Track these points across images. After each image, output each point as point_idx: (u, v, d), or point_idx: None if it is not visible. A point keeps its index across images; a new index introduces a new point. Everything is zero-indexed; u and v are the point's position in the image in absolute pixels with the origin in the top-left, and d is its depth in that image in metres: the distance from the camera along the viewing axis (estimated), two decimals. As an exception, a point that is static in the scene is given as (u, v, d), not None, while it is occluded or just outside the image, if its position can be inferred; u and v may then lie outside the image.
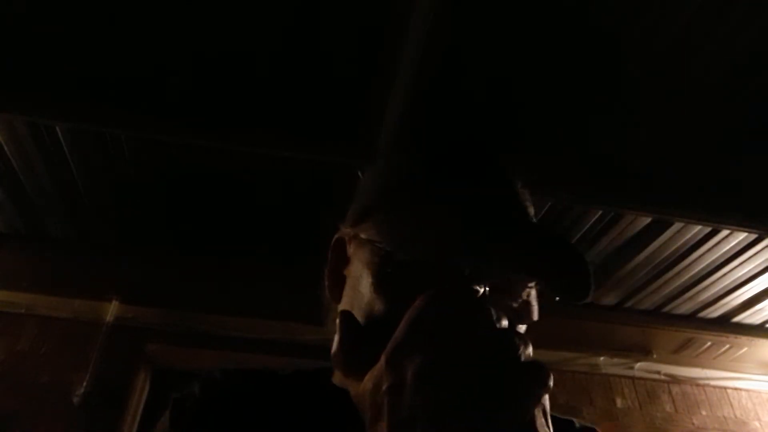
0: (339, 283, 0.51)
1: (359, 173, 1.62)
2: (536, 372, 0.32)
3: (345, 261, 0.51)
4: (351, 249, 0.51)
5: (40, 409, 2.02)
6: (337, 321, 0.45)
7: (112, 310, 2.28)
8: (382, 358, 0.33)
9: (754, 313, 2.47)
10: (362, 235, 0.49)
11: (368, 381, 0.35)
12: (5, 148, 1.80)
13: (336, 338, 0.44)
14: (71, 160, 1.85)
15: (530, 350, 0.33)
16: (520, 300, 0.45)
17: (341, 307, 0.50)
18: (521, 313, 0.45)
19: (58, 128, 1.71)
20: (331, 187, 1.85)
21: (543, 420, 0.32)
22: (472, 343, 0.32)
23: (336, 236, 0.53)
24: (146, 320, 2.30)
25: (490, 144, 0.59)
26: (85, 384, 2.07)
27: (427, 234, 0.44)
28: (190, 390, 0.51)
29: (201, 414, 0.48)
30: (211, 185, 1.97)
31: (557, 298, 0.42)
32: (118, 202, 2.09)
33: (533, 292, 0.46)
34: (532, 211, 0.51)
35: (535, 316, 0.46)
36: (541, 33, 1.31)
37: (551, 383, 0.33)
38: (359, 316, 0.45)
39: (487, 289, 0.40)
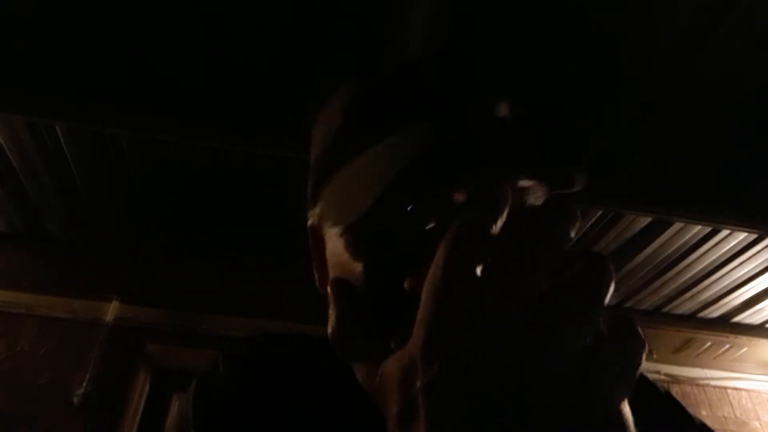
0: (326, 272, 0.43)
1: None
2: (625, 347, 0.23)
3: (323, 245, 0.43)
4: (324, 230, 0.43)
5: (40, 409, 2.02)
6: (329, 292, 0.37)
7: (112, 310, 2.28)
8: (414, 349, 0.25)
9: (754, 313, 2.48)
10: (322, 211, 0.42)
11: (393, 371, 0.27)
12: (5, 148, 1.80)
13: (332, 315, 0.36)
14: (71, 160, 1.85)
15: (612, 287, 0.23)
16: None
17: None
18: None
19: (58, 128, 1.71)
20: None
21: (629, 413, 0.23)
22: (520, 318, 0.24)
23: (309, 222, 0.45)
24: (146, 320, 2.30)
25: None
26: (85, 384, 2.07)
27: (368, 185, 0.36)
28: (212, 369, 0.46)
29: (227, 395, 0.43)
30: (210, 185, 1.97)
31: (551, 191, 0.35)
32: (118, 202, 2.09)
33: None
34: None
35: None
36: (540, 31, 1.31)
37: (645, 353, 0.23)
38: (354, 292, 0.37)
39: (497, 224, 0.26)
